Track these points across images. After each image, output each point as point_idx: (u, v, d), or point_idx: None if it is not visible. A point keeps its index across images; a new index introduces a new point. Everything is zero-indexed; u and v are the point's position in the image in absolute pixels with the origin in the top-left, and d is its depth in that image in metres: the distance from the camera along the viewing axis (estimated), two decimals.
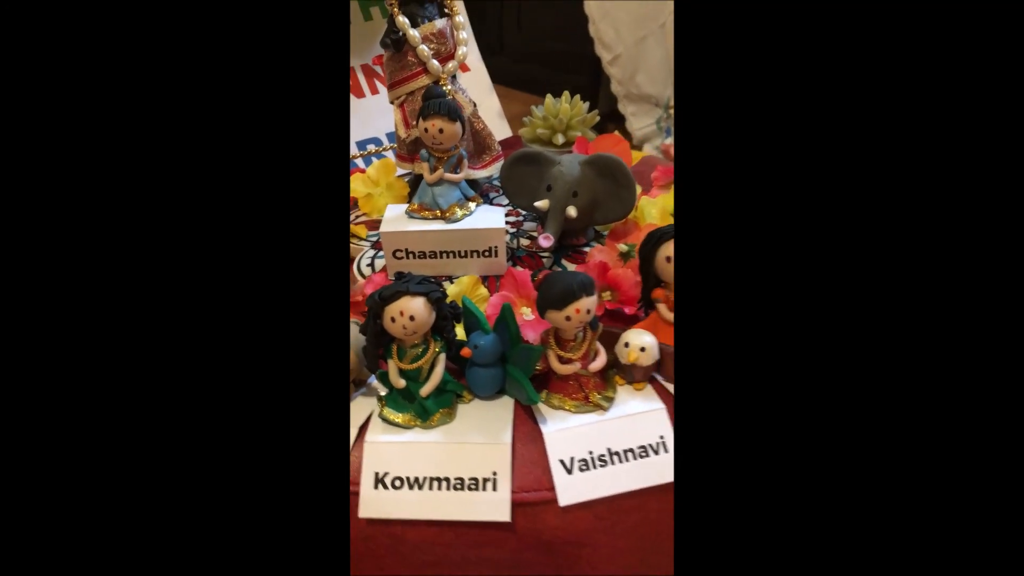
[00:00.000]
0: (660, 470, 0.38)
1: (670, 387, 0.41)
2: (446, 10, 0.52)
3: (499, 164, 0.56)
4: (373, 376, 0.41)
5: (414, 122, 0.51)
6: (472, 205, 0.48)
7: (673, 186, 0.60)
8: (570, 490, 0.36)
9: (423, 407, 0.37)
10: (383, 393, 0.39)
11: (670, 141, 2.15)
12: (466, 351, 0.38)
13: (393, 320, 0.35)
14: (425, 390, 0.37)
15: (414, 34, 0.49)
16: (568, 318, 0.36)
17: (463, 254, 0.47)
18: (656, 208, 0.54)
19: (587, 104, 0.71)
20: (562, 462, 0.37)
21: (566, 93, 0.71)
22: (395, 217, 0.48)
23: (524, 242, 0.54)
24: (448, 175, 0.46)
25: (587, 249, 0.51)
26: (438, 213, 0.47)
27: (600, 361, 0.39)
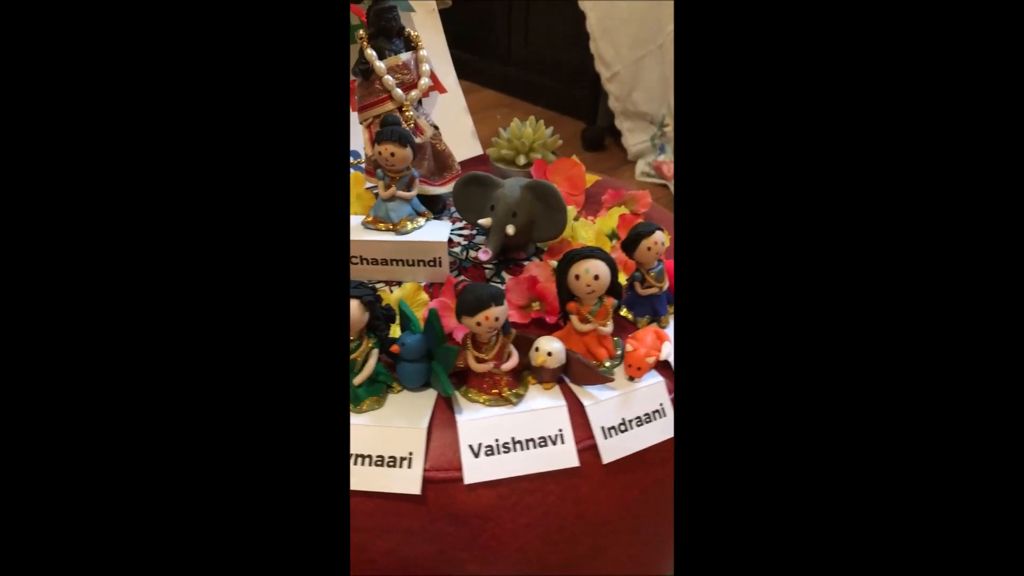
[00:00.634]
0: (558, 458, 0.44)
1: (574, 388, 0.46)
2: (412, 44, 0.59)
3: None
4: None
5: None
6: (421, 220, 0.54)
7: (620, 208, 0.66)
8: (475, 470, 0.42)
9: (355, 394, 0.44)
10: None
11: (663, 158, 2.18)
12: (395, 348, 0.44)
13: None
14: (357, 379, 0.43)
15: (380, 65, 0.56)
16: (479, 323, 0.42)
17: (411, 263, 0.53)
18: (591, 231, 0.59)
19: (550, 129, 0.77)
20: (471, 447, 0.43)
21: (531, 118, 0.77)
22: (353, 227, 0.54)
23: (473, 254, 0.60)
24: (400, 192, 0.53)
25: (526, 263, 0.57)
26: (390, 225, 0.53)
27: (512, 362, 0.45)
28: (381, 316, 0.44)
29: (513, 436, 0.44)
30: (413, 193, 0.53)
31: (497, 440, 0.43)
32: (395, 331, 0.47)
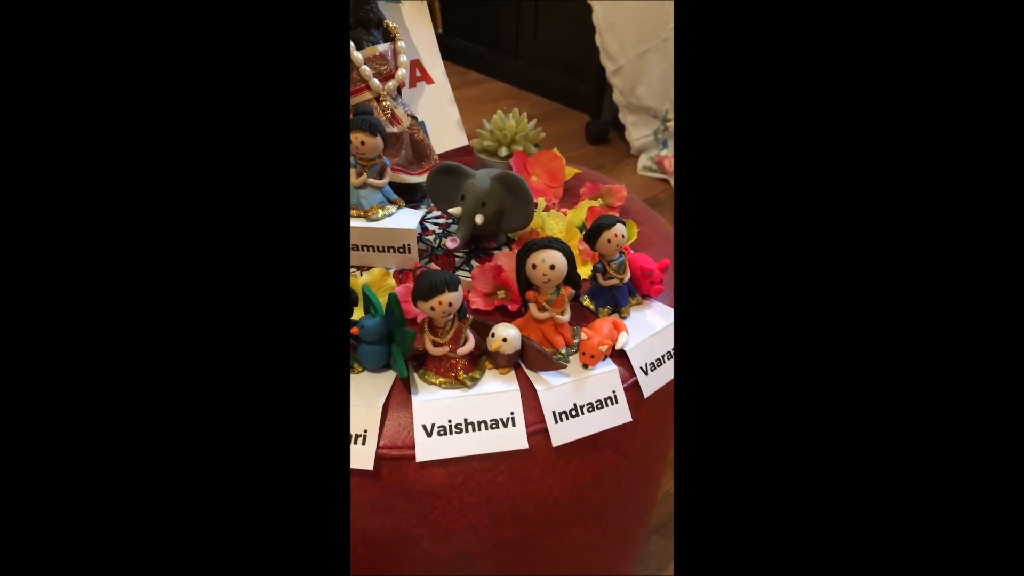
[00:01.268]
0: (508, 440, 0.45)
1: (529, 373, 0.48)
2: (390, 35, 0.60)
3: None
4: None
5: None
6: (392, 208, 0.56)
7: (591, 201, 0.67)
8: (427, 449, 0.44)
9: None
10: None
11: (665, 153, 2.18)
12: (354, 330, 0.46)
13: None
14: None
15: (357, 55, 0.57)
16: (433, 308, 0.44)
17: (381, 249, 0.55)
18: (562, 222, 0.61)
19: (533, 122, 0.78)
20: (424, 426, 0.45)
21: (515, 110, 0.78)
22: None
23: (443, 241, 0.62)
24: (371, 180, 0.54)
25: (496, 252, 0.59)
26: (362, 212, 0.55)
27: (468, 347, 0.47)
28: None
29: (466, 418, 0.45)
30: (384, 181, 0.55)
31: (450, 421, 0.45)
32: (359, 314, 0.49)
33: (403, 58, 0.60)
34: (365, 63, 0.58)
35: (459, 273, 0.57)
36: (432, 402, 0.46)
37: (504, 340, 0.46)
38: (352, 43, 0.57)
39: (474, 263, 0.58)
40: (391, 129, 0.60)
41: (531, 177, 0.71)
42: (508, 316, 0.53)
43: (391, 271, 0.55)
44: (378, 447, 0.44)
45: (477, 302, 0.54)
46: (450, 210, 0.56)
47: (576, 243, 0.60)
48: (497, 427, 0.45)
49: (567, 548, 0.54)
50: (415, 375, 0.47)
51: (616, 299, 0.54)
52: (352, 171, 0.54)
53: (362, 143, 0.51)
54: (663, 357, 0.52)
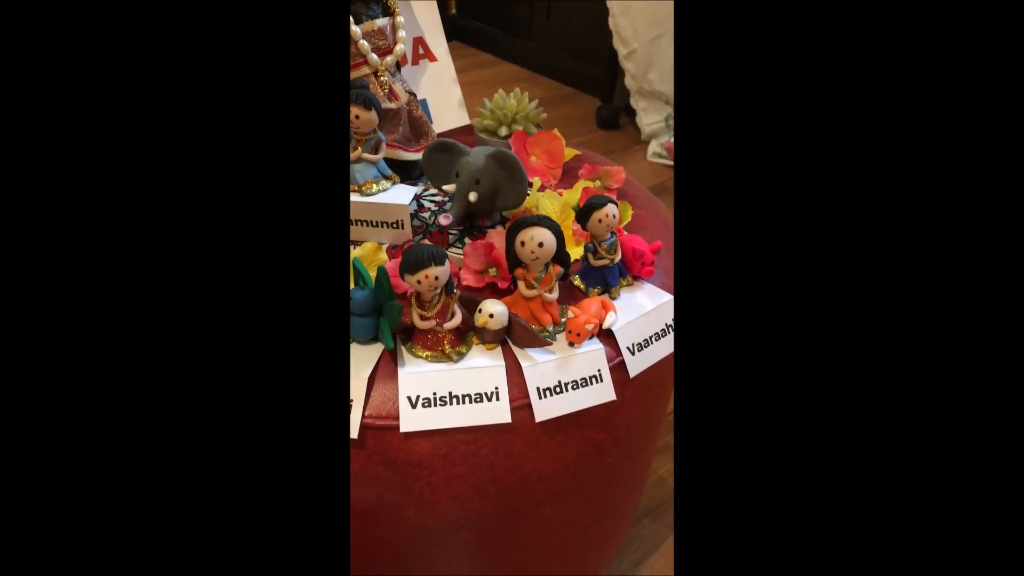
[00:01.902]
0: (492, 414, 0.46)
1: (515, 349, 0.48)
2: (389, 9, 0.60)
3: None
4: None
5: None
6: (387, 183, 0.56)
7: (585, 182, 0.67)
8: (411, 420, 0.45)
9: None
10: None
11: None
12: None
13: None
14: None
15: (356, 30, 0.57)
16: (419, 281, 0.44)
17: (374, 224, 0.55)
18: (557, 203, 0.61)
19: (535, 102, 0.77)
20: (409, 398, 0.45)
21: (516, 90, 0.77)
22: None
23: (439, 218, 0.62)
24: (366, 155, 0.54)
25: (489, 231, 0.59)
26: (356, 187, 0.55)
27: (455, 321, 0.47)
28: None
29: (451, 391, 0.46)
30: (379, 156, 0.55)
31: (435, 393, 0.46)
32: (350, 287, 0.49)
33: (402, 33, 0.60)
34: (363, 37, 0.58)
35: (451, 250, 0.58)
36: (418, 374, 0.46)
37: (491, 316, 0.47)
38: (350, 17, 0.57)
39: (467, 241, 0.59)
40: (388, 105, 0.60)
41: (530, 157, 0.71)
42: (498, 293, 0.53)
43: (384, 246, 0.56)
44: (363, 417, 0.45)
45: (468, 279, 0.54)
46: (444, 187, 0.57)
47: (570, 223, 0.60)
48: (481, 401, 0.46)
49: (551, 523, 0.55)
50: (402, 348, 0.48)
51: (606, 279, 0.54)
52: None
53: (357, 117, 0.52)
54: (651, 338, 0.53)
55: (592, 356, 0.49)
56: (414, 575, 0.55)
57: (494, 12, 2.39)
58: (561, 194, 0.63)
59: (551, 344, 0.48)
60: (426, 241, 0.58)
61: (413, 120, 0.63)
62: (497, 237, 0.55)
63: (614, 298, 0.54)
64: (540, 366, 0.47)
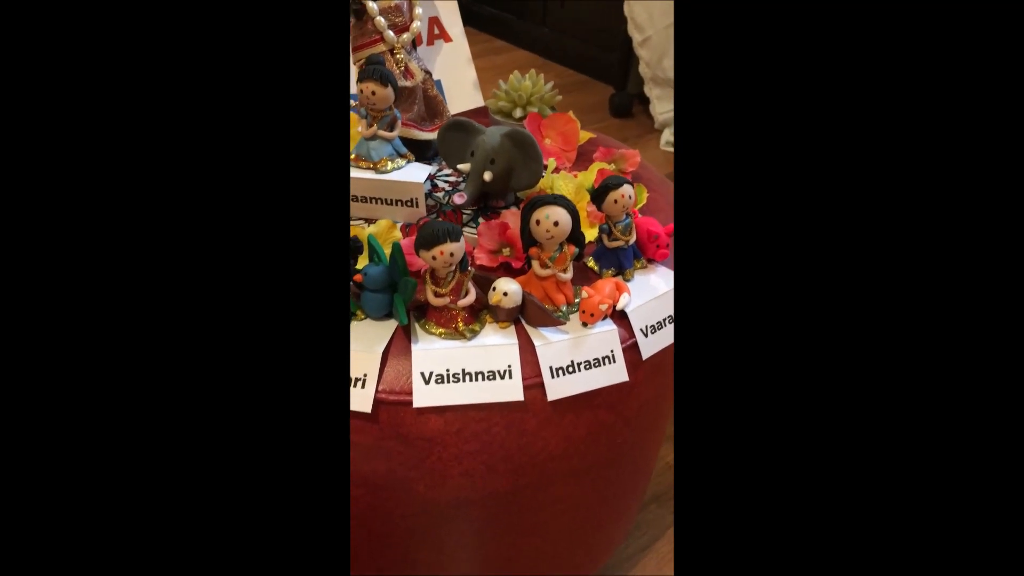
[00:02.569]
0: (504, 391, 0.46)
1: (529, 328, 0.48)
2: None
3: None
4: None
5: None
6: (402, 161, 0.56)
7: (601, 164, 0.67)
8: (424, 396, 0.45)
9: None
10: None
11: None
12: (358, 277, 0.46)
13: None
14: None
15: (373, 6, 0.57)
16: (434, 258, 0.44)
17: (389, 202, 0.55)
18: (571, 184, 0.60)
19: (550, 84, 0.77)
20: (422, 374, 0.45)
21: (532, 71, 0.77)
22: None
23: (453, 197, 0.62)
24: (381, 132, 0.54)
25: (504, 211, 0.59)
26: (371, 164, 0.55)
27: (469, 299, 0.47)
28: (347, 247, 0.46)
29: (464, 368, 0.46)
30: (395, 134, 0.55)
31: (448, 370, 0.46)
32: (364, 263, 0.49)
33: (418, 11, 0.60)
34: (380, 14, 0.57)
35: (465, 230, 0.58)
36: (431, 351, 0.46)
37: (505, 294, 0.47)
38: None
39: (481, 220, 0.59)
40: (404, 83, 0.60)
41: (544, 140, 0.70)
42: (512, 273, 0.53)
43: (398, 224, 0.56)
44: (377, 391, 0.45)
45: (482, 258, 0.54)
46: (459, 166, 0.57)
47: (585, 205, 0.59)
48: (494, 379, 0.46)
49: (561, 503, 0.55)
50: (416, 325, 0.48)
51: (620, 261, 0.53)
52: (362, 122, 0.55)
53: (373, 93, 0.51)
54: (664, 320, 0.52)
55: (605, 337, 0.49)
56: (423, 552, 0.55)
57: None
58: (576, 176, 0.63)
59: (565, 324, 0.48)
60: (440, 219, 0.58)
61: (428, 99, 0.63)
62: (511, 217, 0.55)
63: (628, 280, 0.54)
64: (553, 345, 0.47)
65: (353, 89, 0.77)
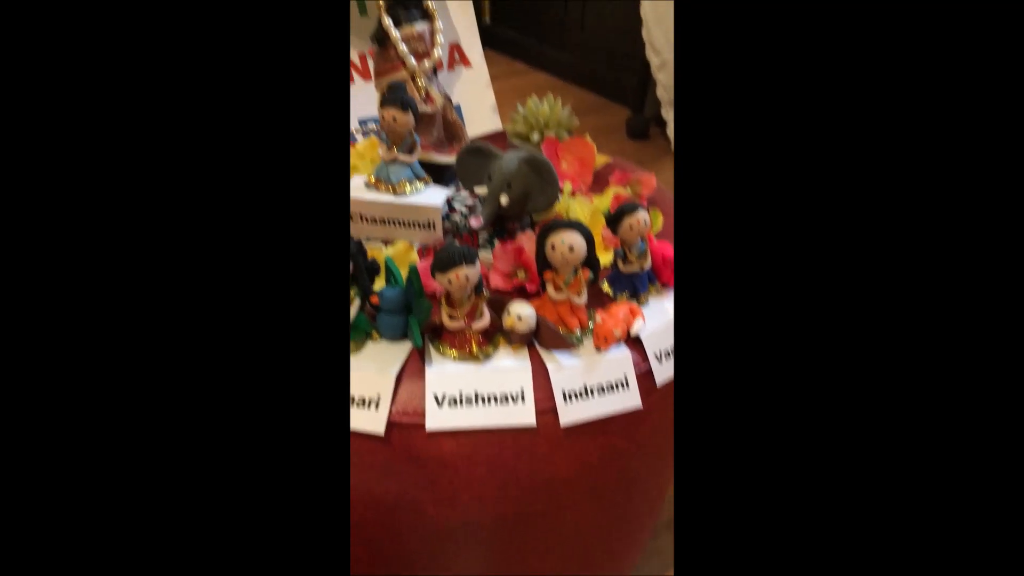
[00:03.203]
0: (517, 416, 0.46)
1: (542, 352, 0.48)
2: (428, 14, 0.61)
3: None
4: None
5: None
6: (421, 184, 0.57)
7: (616, 188, 0.67)
8: (437, 418, 0.45)
9: None
10: None
11: None
12: (374, 298, 0.47)
13: None
14: None
15: (395, 34, 0.58)
16: (450, 281, 0.45)
17: (406, 224, 0.56)
18: (587, 208, 0.61)
19: (567, 108, 0.78)
20: (435, 396, 0.46)
21: (549, 95, 0.78)
22: (357, 186, 0.57)
23: (470, 220, 0.62)
24: (401, 156, 0.55)
25: (519, 234, 0.59)
26: (390, 187, 0.56)
27: (484, 322, 0.47)
28: (364, 269, 0.47)
29: (477, 391, 0.46)
30: (414, 157, 0.56)
31: (461, 392, 0.46)
32: (381, 285, 0.50)
33: (440, 38, 0.61)
34: (403, 41, 0.59)
35: (480, 253, 0.58)
36: (445, 373, 0.47)
37: (519, 318, 0.47)
38: (390, 21, 0.59)
39: (496, 243, 0.59)
40: (425, 108, 0.61)
41: (561, 163, 0.71)
42: (527, 296, 0.53)
43: (415, 247, 0.56)
44: (390, 413, 0.45)
45: (497, 281, 0.54)
46: (476, 189, 0.57)
47: (600, 229, 0.60)
48: (507, 402, 0.46)
49: (571, 528, 0.55)
50: (430, 346, 0.49)
51: (635, 286, 0.54)
52: (382, 147, 0.56)
53: (394, 119, 0.53)
54: None
55: (619, 362, 0.49)
56: (432, 573, 0.55)
57: (528, 20, 2.41)
58: (592, 200, 0.63)
59: (578, 347, 0.48)
60: (458, 242, 0.59)
61: (447, 124, 0.64)
62: (526, 240, 0.56)
63: (642, 304, 0.54)
64: (566, 370, 0.47)
65: (372, 112, 0.79)
